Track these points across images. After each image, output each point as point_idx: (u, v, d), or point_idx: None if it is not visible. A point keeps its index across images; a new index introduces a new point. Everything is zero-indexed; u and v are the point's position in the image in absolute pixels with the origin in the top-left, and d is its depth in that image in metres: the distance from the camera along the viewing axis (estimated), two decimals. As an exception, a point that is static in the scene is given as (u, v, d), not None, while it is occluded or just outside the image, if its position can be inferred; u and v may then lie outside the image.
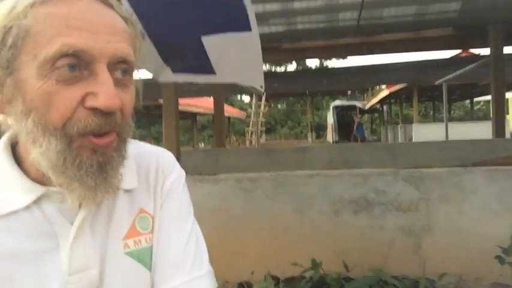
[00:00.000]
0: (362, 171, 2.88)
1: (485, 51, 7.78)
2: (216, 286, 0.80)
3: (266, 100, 23.69)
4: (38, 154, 0.62)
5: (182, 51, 2.45)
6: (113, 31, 0.64)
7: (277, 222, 2.83)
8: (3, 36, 0.61)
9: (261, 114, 20.02)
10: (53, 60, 0.59)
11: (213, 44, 2.38)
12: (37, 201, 0.67)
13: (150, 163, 0.83)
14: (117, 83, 0.64)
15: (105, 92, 0.61)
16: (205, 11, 2.25)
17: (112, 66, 0.64)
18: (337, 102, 24.46)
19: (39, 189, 0.67)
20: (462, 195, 2.68)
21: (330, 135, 22.63)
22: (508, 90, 11.19)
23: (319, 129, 29.34)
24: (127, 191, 0.77)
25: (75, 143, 0.62)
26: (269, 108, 29.30)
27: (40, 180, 0.68)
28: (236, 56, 2.45)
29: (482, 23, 6.48)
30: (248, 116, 23.71)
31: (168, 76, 2.62)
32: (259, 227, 2.83)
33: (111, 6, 0.67)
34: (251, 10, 2.22)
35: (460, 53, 9.36)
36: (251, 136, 21.35)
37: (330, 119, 23.39)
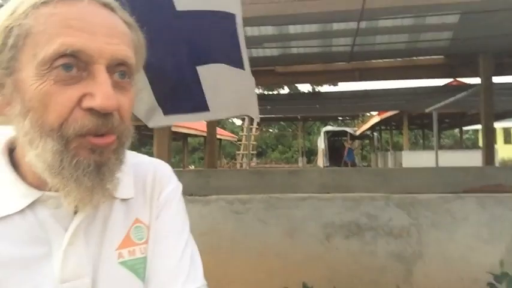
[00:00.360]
0: (354, 196, 2.87)
1: (475, 81, 7.91)
2: None
3: (258, 124, 23.78)
4: (34, 156, 0.62)
5: (176, 83, 2.39)
6: (112, 33, 0.64)
7: (268, 246, 2.80)
8: (4, 37, 0.61)
9: (252, 138, 20.03)
10: (51, 60, 0.59)
11: (208, 73, 2.36)
12: (32, 206, 0.66)
13: (147, 173, 0.82)
14: (116, 86, 0.65)
15: (101, 93, 0.61)
16: (201, 44, 2.27)
17: (111, 68, 0.64)
18: (328, 128, 24.61)
19: (35, 194, 0.66)
20: (453, 222, 2.67)
21: (321, 160, 22.64)
22: (496, 120, 11.34)
23: (310, 154, 29.38)
24: (123, 200, 0.76)
25: (73, 143, 0.62)
26: (260, 132, 29.39)
27: (36, 185, 0.67)
28: (230, 87, 2.44)
29: (473, 53, 6.61)
30: (239, 140, 23.73)
31: (159, 120, 2.54)
32: (249, 250, 2.79)
33: (112, 9, 0.67)
34: (245, 52, 2.27)
35: (450, 82, 9.49)
36: (242, 159, 21.32)
37: (321, 144, 23.46)
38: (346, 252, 2.75)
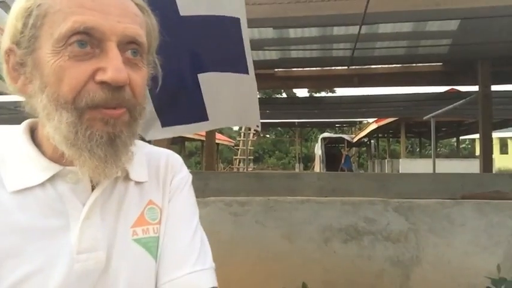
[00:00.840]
0: (353, 200, 2.87)
1: (473, 90, 7.93)
2: (216, 283, 0.81)
3: (255, 129, 23.74)
4: (51, 128, 0.66)
5: (177, 92, 2.36)
6: (124, 13, 0.68)
7: (266, 248, 2.80)
8: (25, 18, 0.66)
9: (249, 143, 20.02)
10: (66, 38, 0.63)
11: (209, 82, 2.33)
12: (52, 180, 0.70)
13: (160, 160, 0.87)
14: (128, 62, 0.68)
15: (112, 66, 0.64)
16: (204, 50, 2.24)
17: (123, 45, 0.67)
18: (326, 134, 24.60)
19: (55, 168, 0.70)
20: (451, 227, 2.68)
21: (318, 167, 22.63)
22: (494, 129, 11.36)
23: (307, 161, 29.37)
24: (138, 183, 0.80)
25: (86, 115, 0.65)
26: (258, 137, 29.37)
27: (56, 160, 0.71)
28: (231, 96, 2.40)
29: (472, 60, 6.63)
30: (236, 145, 23.72)
31: (157, 132, 2.52)
32: (247, 252, 2.78)
33: None
34: (249, 55, 2.25)
35: (448, 91, 9.53)
36: (238, 164, 21.32)
37: (318, 150, 23.44)
38: (344, 256, 2.74)
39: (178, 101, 2.38)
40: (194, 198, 0.89)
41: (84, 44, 0.64)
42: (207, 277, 0.79)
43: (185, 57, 2.24)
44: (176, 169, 0.88)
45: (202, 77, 2.32)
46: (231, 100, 2.42)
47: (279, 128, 32.08)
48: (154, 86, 0.86)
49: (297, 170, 25.22)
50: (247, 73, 2.29)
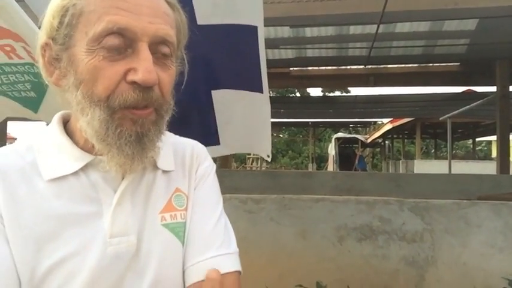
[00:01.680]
0: (368, 199, 2.86)
1: (491, 90, 7.83)
2: (240, 268, 0.84)
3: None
4: (84, 123, 0.70)
5: (189, 110, 2.30)
6: (155, 13, 0.70)
7: (280, 246, 2.80)
8: (61, 16, 0.69)
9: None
10: (101, 37, 0.66)
11: (223, 99, 2.29)
12: (84, 169, 0.75)
13: (185, 149, 0.91)
14: (158, 62, 0.71)
15: (143, 67, 0.67)
16: (219, 62, 2.20)
17: (154, 46, 0.70)
18: (340, 134, 24.42)
19: (87, 157, 0.74)
20: (467, 228, 2.65)
21: (331, 167, 22.50)
22: (510, 131, 11.19)
23: (320, 161, 29.22)
24: (165, 172, 0.84)
25: (117, 114, 0.69)
26: (271, 136, 29.32)
27: (88, 150, 0.75)
28: (244, 117, 2.35)
29: (490, 60, 6.55)
30: (250, 143, 23.70)
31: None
32: (261, 249, 2.80)
33: None
34: (264, 73, 2.19)
35: (466, 91, 9.42)
36: (252, 163, 21.33)
37: (332, 150, 23.28)
38: (358, 255, 2.74)
39: (190, 120, 2.35)
40: (218, 186, 0.92)
41: (117, 48, 0.67)
42: (231, 260, 0.82)
43: (200, 71, 2.18)
44: (201, 158, 0.91)
45: (215, 94, 2.29)
46: (243, 122, 2.36)
47: (293, 128, 31.96)
48: (180, 82, 0.87)
49: (310, 170, 25.13)
50: (262, 91, 2.24)
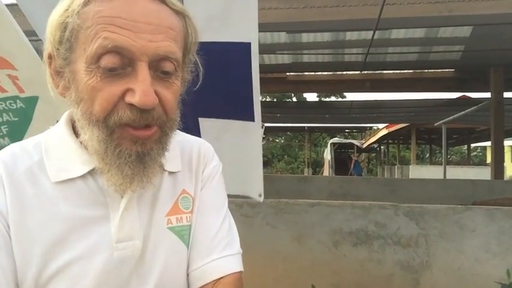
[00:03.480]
0: (363, 204, 2.88)
1: (485, 96, 7.87)
2: (242, 268, 0.84)
3: (265, 133, 23.72)
4: (85, 138, 0.70)
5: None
6: (156, 29, 0.67)
7: (275, 250, 2.81)
8: (61, 30, 0.67)
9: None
10: (98, 56, 0.64)
11: (211, 129, 2.10)
12: (92, 173, 0.73)
13: (192, 149, 0.90)
14: (160, 80, 0.69)
15: (140, 90, 0.65)
16: (207, 87, 1.72)
17: (155, 63, 0.67)
18: (335, 140, 24.42)
19: (95, 161, 0.72)
20: (461, 233, 2.67)
21: (327, 172, 22.49)
22: (506, 137, 11.24)
23: (316, 166, 29.20)
24: (171, 173, 0.83)
25: (116, 133, 0.67)
26: (267, 141, 29.24)
27: None
28: (233, 153, 2.10)
29: (484, 66, 6.60)
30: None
31: None
32: (257, 254, 2.80)
33: (162, 1, 0.70)
34: (257, 97, 1.98)
35: (461, 97, 9.48)
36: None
37: (327, 155, 23.27)
38: (353, 259, 2.75)
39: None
40: (224, 186, 0.92)
41: (114, 68, 0.65)
42: (234, 262, 0.83)
43: (186, 96, 1.74)
44: (208, 158, 0.91)
45: (203, 123, 2.12)
46: (232, 159, 2.08)
47: (289, 133, 31.96)
48: (194, 84, 0.85)
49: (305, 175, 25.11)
50: (253, 119, 2.02)
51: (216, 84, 1.85)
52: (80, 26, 0.65)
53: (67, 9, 0.67)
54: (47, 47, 0.71)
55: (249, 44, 1.87)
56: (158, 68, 0.68)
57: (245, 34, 1.87)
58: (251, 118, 2.00)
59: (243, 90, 1.95)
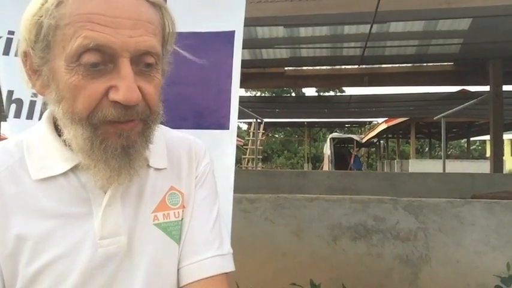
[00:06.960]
0: (362, 198, 2.87)
1: (484, 90, 7.86)
2: (234, 268, 0.85)
3: (264, 129, 23.77)
4: (68, 136, 0.69)
5: None
6: (135, 24, 0.66)
7: (274, 245, 2.81)
8: (37, 28, 0.66)
9: (258, 142, 20.03)
10: (78, 54, 0.63)
11: None
12: (74, 170, 0.73)
13: (182, 147, 0.89)
14: (142, 75, 0.68)
15: (124, 86, 0.65)
16: (182, 92, 1.64)
17: (136, 58, 0.67)
18: (335, 134, 24.42)
19: (77, 159, 0.72)
20: (461, 226, 2.67)
21: (326, 167, 22.51)
22: (505, 130, 11.24)
23: (316, 161, 29.23)
24: (157, 170, 0.82)
25: (100, 129, 0.67)
26: (266, 137, 29.29)
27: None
28: None
29: (483, 59, 6.59)
30: (245, 144, 23.70)
31: None
32: (256, 249, 2.80)
33: None
34: (236, 98, 1.64)
35: (460, 90, 9.48)
36: (247, 164, 21.31)
37: (327, 150, 23.29)
38: (352, 254, 2.75)
39: None
40: (216, 184, 0.92)
41: (96, 65, 0.64)
42: (226, 261, 0.84)
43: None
44: (200, 156, 0.90)
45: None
46: None
47: (288, 128, 31.98)
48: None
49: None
50: (228, 127, 1.65)
51: (191, 82, 1.64)
52: (57, 24, 0.64)
53: (41, 7, 0.65)
54: (22, 45, 0.70)
55: (233, 32, 1.65)
56: (140, 63, 0.68)
57: (229, 21, 1.66)
58: (225, 125, 1.66)
59: (222, 87, 1.66)
